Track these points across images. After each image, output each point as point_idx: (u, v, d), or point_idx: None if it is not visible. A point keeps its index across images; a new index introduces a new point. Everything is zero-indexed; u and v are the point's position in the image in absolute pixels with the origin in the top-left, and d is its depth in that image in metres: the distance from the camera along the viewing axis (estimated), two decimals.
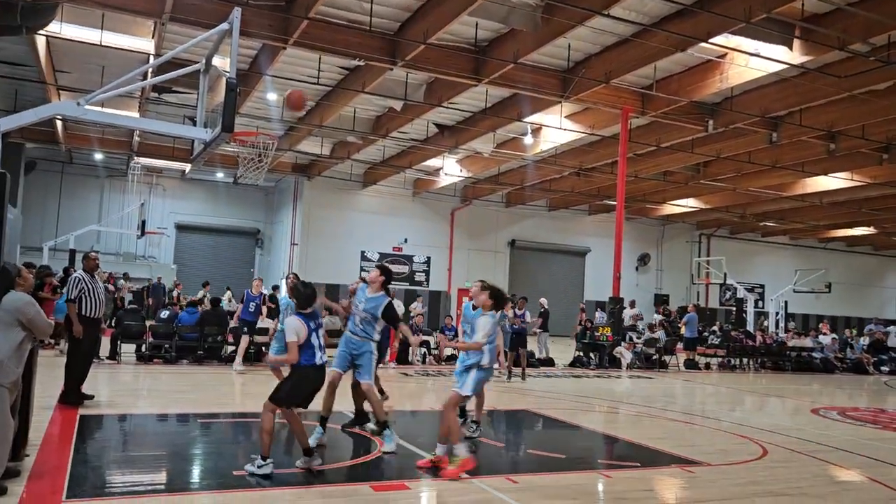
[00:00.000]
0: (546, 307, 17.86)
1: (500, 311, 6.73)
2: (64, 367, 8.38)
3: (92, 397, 8.47)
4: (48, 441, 6.60)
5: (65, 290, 8.76)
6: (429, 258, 30.98)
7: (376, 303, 6.89)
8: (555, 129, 19.73)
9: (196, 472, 6.12)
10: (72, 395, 8.20)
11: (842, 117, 17.34)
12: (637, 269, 34.75)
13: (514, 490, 5.68)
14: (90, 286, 8.32)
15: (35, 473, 5.45)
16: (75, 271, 8.81)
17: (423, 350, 16.55)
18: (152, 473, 6.09)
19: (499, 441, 7.93)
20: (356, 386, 7.06)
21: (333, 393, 6.93)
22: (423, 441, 7.22)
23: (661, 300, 33.45)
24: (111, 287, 19.51)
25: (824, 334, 22.38)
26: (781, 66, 14.28)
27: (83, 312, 8.21)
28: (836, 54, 13.81)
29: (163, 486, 5.62)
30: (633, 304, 23.72)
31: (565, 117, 19.27)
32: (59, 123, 21.99)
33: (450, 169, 26.24)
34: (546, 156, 23.27)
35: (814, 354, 20.78)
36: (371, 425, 7.32)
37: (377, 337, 6.97)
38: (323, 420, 6.85)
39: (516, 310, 14.81)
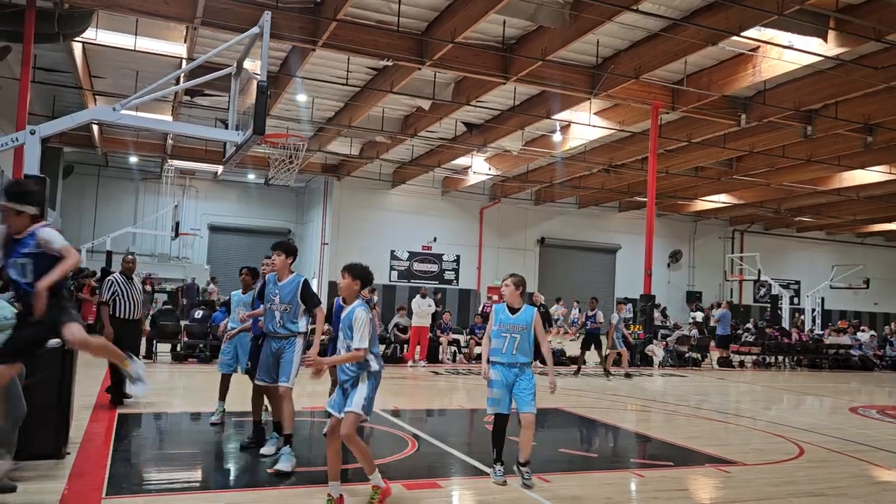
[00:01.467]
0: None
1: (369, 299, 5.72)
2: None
3: (130, 397, 8.65)
4: (88, 439, 6.75)
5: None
6: (458, 257, 31.00)
7: (291, 286, 6.11)
8: (584, 125, 19.61)
9: (231, 470, 6.21)
10: (116, 392, 8.42)
11: (879, 109, 16.95)
12: (668, 266, 34.38)
13: (546, 489, 5.67)
14: (124, 288, 8.45)
15: (76, 471, 5.59)
16: (113, 273, 9.01)
17: (454, 349, 16.62)
18: (188, 471, 6.20)
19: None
20: (269, 392, 6.41)
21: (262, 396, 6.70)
22: (453, 441, 7.24)
23: (693, 297, 33.06)
24: (148, 288, 19.89)
25: (863, 331, 21.93)
26: (816, 59, 14.02)
27: (117, 314, 8.36)
28: (873, 45, 13.52)
29: (198, 484, 5.72)
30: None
31: (594, 114, 19.14)
32: (95, 128, 22.45)
33: (478, 167, 26.23)
34: (575, 153, 23.14)
35: (851, 352, 20.37)
36: (268, 447, 6.33)
37: (303, 329, 6.16)
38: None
39: (588, 311, 14.99)
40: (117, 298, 8.38)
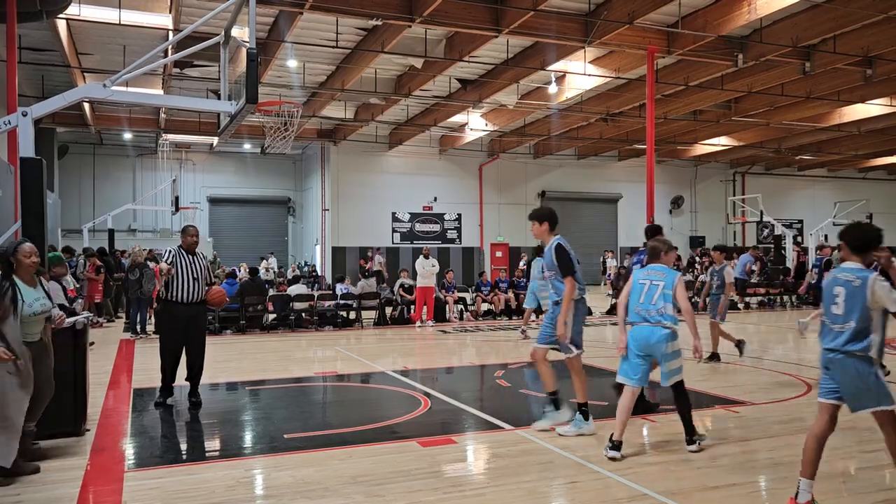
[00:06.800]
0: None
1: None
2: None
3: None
4: (106, 415, 6.86)
5: None
6: (459, 215, 30.95)
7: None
8: (579, 75, 19.37)
9: (248, 437, 6.31)
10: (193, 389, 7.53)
11: (879, 41, 16.68)
12: (671, 212, 34.31)
13: (559, 438, 5.76)
14: (183, 265, 7.31)
15: (97, 446, 5.69)
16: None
17: (460, 307, 16.73)
18: (207, 440, 6.31)
19: (542, 391, 8.01)
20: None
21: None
22: (465, 397, 7.33)
23: (696, 242, 33.07)
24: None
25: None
26: None
27: (171, 296, 7.30)
28: None
29: (217, 452, 5.82)
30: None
31: (589, 62, 18.88)
32: (87, 106, 22.25)
33: (475, 124, 26.01)
34: (572, 103, 22.90)
35: None
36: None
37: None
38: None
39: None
40: (172, 278, 7.27)
